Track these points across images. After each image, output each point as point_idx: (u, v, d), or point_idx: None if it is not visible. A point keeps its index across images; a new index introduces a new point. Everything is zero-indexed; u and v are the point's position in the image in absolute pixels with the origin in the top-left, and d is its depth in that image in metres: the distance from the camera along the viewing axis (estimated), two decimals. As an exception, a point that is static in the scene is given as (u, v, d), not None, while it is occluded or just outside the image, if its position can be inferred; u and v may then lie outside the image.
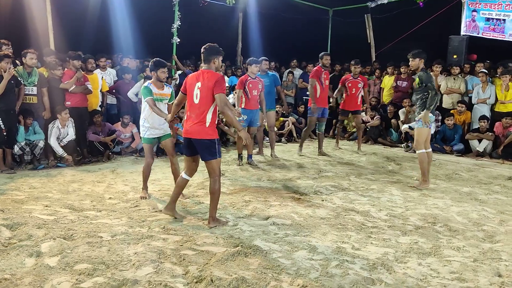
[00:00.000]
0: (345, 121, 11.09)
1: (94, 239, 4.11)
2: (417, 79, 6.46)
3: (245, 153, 8.09)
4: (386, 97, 11.53)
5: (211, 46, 4.64)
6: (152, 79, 5.60)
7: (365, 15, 13.35)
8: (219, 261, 3.67)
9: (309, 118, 9.06)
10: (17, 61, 7.93)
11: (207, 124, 4.51)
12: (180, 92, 4.80)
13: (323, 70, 8.72)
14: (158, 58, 5.70)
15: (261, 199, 5.69)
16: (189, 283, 3.30)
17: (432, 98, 6.27)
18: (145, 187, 5.79)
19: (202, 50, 4.63)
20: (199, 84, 4.50)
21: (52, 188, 6.02)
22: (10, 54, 7.30)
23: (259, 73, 8.43)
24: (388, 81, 11.48)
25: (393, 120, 10.93)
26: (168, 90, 5.74)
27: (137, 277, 3.34)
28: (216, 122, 4.64)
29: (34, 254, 3.74)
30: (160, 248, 3.91)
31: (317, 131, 9.30)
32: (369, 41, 13.50)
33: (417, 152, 6.57)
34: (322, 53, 8.82)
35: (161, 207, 5.22)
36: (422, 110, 6.36)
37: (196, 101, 4.52)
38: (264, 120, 8.71)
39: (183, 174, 4.87)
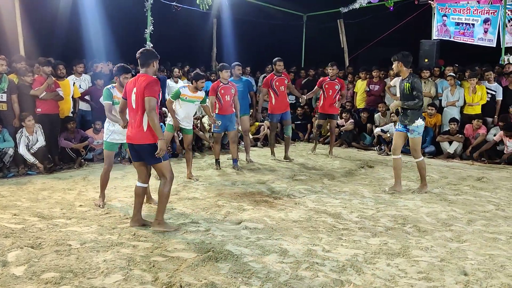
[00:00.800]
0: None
1: (62, 247, 4.04)
2: (407, 84, 6.27)
3: (224, 158, 8.13)
4: (359, 102, 11.70)
5: (147, 50, 4.70)
6: (116, 84, 5.58)
7: (338, 20, 13.55)
8: (189, 267, 3.66)
9: (269, 123, 9.33)
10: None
11: (145, 129, 4.50)
12: (121, 98, 4.85)
13: (275, 76, 8.66)
14: (122, 64, 5.69)
15: (234, 204, 5.70)
16: (158, 290, 3.29)
17: (416, 104, 6.18)
18: (102, 195, 5.64)
19: (138, 54, 4.63)
20: (135, 89, 4.51)
21: (21, 196, 5.91)
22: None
23: (232, 78, 8.44)
24: (361, 86, 11.64)
25: (368, 125, 11.09)
26: None
27: (105, 285, 3.31)
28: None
29: (0, 263, 3.67)
30: (129, 255, 3.88)
31: (284, 135, 9.21)
32: (342, 46, 13.69)
33: (416, 160, 6.49)
34: (275, 58, 8.73)
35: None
36: (416, 119, 6.25)
37: (134, 106, 4.54)
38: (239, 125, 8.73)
39: (137, 183, 4.83)
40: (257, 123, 11.15)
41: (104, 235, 4.43)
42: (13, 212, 5.14)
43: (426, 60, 11.21)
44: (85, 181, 6.89)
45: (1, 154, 7.20)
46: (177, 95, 6.86)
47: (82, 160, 8.17)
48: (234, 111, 8.05)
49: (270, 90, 8.71)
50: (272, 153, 9.29)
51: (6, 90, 7.47)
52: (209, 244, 4.21)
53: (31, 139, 7.46)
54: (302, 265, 3.78)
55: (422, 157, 6.56)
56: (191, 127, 7.23)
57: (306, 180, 7.22)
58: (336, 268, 3.73)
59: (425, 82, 10.40)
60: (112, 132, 5.55)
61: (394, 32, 12.69)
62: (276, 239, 4.41)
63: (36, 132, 7.51)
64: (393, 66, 6.47)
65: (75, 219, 4.97)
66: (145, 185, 4.88)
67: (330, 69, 9.35)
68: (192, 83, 6.96)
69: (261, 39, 14.35)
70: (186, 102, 6.92)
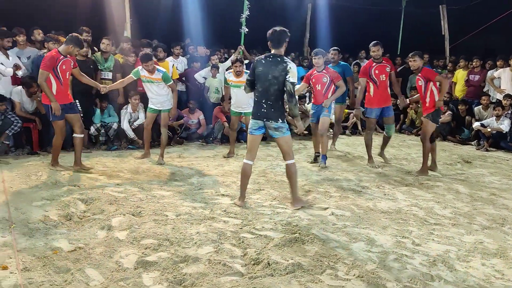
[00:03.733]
0: (411, 115, 10.67)
1: (160, 217, 4.33)
2: None
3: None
4: (458, 92, 11.06)
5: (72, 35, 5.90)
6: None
7: (440, 6, 12.84)
8: (277, 246, 3.75)
9: (366, 120, 7.68)
10: (95, 48, 8.43)
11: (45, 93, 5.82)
12: None
13: (374, 63, 7.16)
14: (147, 53, 6.86)
15: (321, 190, 5.70)
16: (247, 265, 3.41)
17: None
18: (147, 151, 7.18)
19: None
20: None
21: (124, 168, 6.38)
22: (89, 40, 7.81)
23: (330, 64, 8.07)
24: (461, 76, 10.99)
25: (466, 118, 10.47)
26: (158, 75, 6.73)
27: (198, 255, 3.50)
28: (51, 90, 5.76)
29: (106, 227, 4.02)
30: (220, 230, 4.06)
31: (384, 135, 7.65)
32: (443, 33, 12.97)
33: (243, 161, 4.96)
34: (371, 43, 7.23)
35: (223, 191, 5.40)
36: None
37: None
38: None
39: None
40: (346, 111, 10.95)
41: (197, 209, 4.67)
42: (117, 182, 5.59)
43: (538, 50, 10.28)
44: (180, 158, 7.26)
45: (106, 128, 7.83)
46: (137, 75, 6.85)
47: (179, 138, 8.61)
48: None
49: (368, 80, 7.23)
50: (370, 158, 7.45)
51: (112, 69, 8.05)
52: (295, 226, 4.27)
53: (133, 116, 8.00)
54: (390, 256, 3.71)
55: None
56: (168, 108, 7.02)
57: (396, 171, 7.01)
58: (426, 262, 3.62)
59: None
60: (150, 101, 6.99)
61: (502, 20, 11.74)
62: (364, 228, 4.36)
63: (138, 110, 8.04)
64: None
65: (171, 192, 5.29)
66: (77, 135, 6.11)
67: (410, 61, 6.81)
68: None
69: (356, 24, 13.94)
70: (146, 83, 6.94)
